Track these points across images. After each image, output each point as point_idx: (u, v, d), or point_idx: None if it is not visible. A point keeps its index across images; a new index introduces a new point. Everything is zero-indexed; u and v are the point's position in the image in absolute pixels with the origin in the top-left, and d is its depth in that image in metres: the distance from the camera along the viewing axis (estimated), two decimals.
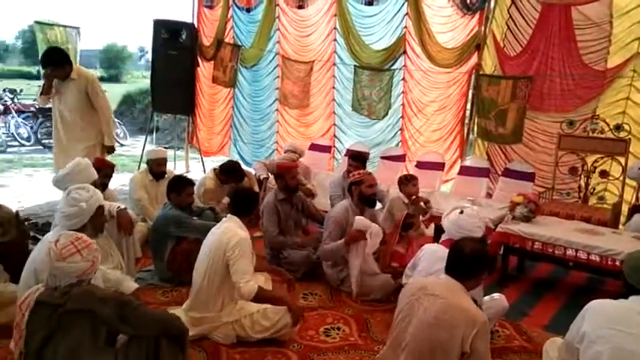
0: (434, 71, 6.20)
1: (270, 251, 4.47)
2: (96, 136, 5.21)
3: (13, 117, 10.43)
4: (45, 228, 4.64)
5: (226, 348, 3.12)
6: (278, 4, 7.37)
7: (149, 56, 9.88)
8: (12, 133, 10.19)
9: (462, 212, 3.07)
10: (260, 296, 3.07)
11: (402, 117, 6.59)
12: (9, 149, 9.73)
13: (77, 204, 2.84)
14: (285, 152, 6.21)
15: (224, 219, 3.31)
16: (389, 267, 4.07)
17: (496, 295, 3.38)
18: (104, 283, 2.89)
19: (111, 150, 5.34)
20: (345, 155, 6.64)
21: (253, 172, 6.28)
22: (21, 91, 13.14)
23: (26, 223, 5.12)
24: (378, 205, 4.62)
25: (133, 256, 3.95)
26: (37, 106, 11.10)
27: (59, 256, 2.21)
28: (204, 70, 8.36)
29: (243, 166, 6.75)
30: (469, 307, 2.32)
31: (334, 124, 7.30)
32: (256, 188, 5.83)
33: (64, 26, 9.05)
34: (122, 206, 3.69)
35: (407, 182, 4.74)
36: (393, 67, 6.49)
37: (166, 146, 8.70)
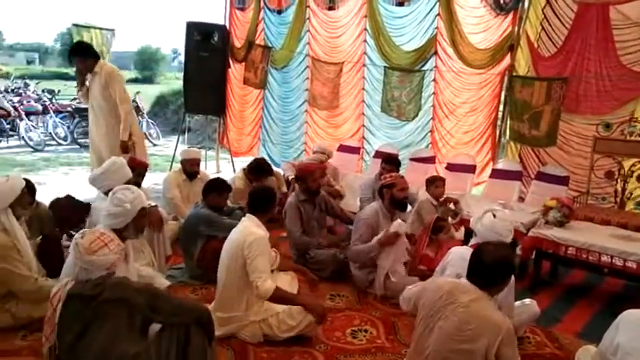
0: (466, 72, 6.12)
1: (296, 251, 4.49)
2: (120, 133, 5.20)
3: (51, 117, 10.77)
4: (81, 225, 4.77)
5: (253, 347, 3.15)
6: (308, 6, 7.40)
7: (182, 58, 10.06)
8: (50, 133, 10.51)
9: (494, 216, 3.02)
10: (277, 296, 3.09)
11: (433, 118, 6.53)
12: (47, 148, 10.05)
13: (122, 204, 2.91)
14: (313, 153, 6.23)
15: (244, 218, 3.35)
16: (417, 270, 4.03)
17: (527, 300, 3.32)
18: (138, 279, 2.96)
19: (123, 146, 5.17)
20: (374, 157, 6.61)
21: (282, 172, 6.33)
22: (59, 91, 13.60)
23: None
24: (409, 208, 4.60)
25: (163, 253, 4.05)
26: (73, 106, 11.47)
27: (89, 250, 2.30)
28: (235, 71, 8.47)
29: (272, 167, 6.82)
30: (492, 315, 2.26)
31: (363, 126, 7.29)
32: (284, 189, 5.88)
33: (100, 28, 9.32)
34: (153, 204, 3.77)
35: (431, 183, 4.71)
36: (424, 68, 6.43)
37: (198, 146, 8.84)
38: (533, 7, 5.59)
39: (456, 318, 2.28)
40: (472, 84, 6.12)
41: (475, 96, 6.12)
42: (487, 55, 5.86)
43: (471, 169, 5.98)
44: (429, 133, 6.57)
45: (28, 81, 16.05)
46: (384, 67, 6.72)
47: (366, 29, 6.89)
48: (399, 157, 5.68)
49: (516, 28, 5.68)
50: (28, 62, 46.78)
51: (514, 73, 5.76)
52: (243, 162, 7.19)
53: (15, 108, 9.88)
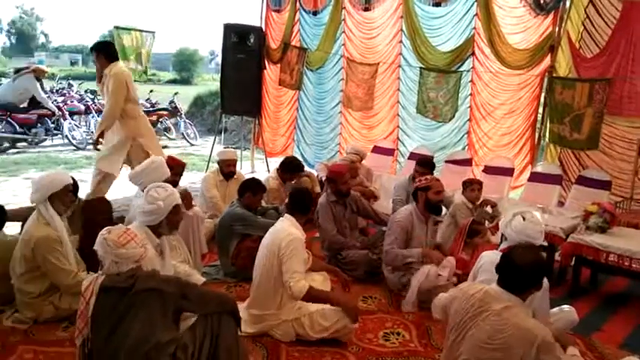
0: (504, 73, 6.00)
1: (328, 252, 4.50)
2: (125, 137, 5.13)
3: (93, 116, 11.12)
4: (118, 222, 4.90)
5: (286, 345, 3.18)
6: (344, 7, 7.41)
7: (219, 59, 10.21)
8: (91, 132, 10.84)
9: (524, 218, 2.95)
10: (311, 295, 3.10)
11: (470, 120, 6.43)
12: (88, 146, 10.37)
13: (155, 202, 2.98)
14: (346, 154, 6.23)
15: (281, 218, 3.38)
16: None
17: (566, 307, 3.22)
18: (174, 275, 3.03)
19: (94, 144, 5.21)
20: (409, 158, 6.56)
21: (315, 173, 6.35)
22: None
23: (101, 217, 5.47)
24: (444, 211, 4.54)
25: (199, 251, 4.14)
26: None
27: (119, 244, 2.39)
28: (271, 72, 8.55)
29: (306, 168, 6.84)
30: (525, 324, 2.20)
31: (398, 127, 7.24)
32: (318, 189, 5.90)
33: (141, 31, 9.55)
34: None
35: (467, 186, 4.65)
36: (461, 69, 6.34)
37: (233, 147, 8.99)
38: (575, 6, 5.44)
39: (488, 326, 2.24)
40: (511, 85, 5.99)
41: (514, 97, 6.00)
42: (526, 55, 5.74)
43: (508, 172, 5.86)
44: (466, 135, 6.48)
45: (71, 82, 16.62)
46: (420, 68, 6.66)
47: (401, 30, 6.85)
48: (435, 160, 5.62)
49: (557, 28, 5.54)
50: (72, 63, 48.44)
51: (554, 75, 5.61)
52: (278, 162, 7.25)
53: (59, 108, 10.23)
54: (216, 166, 5.51)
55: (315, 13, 7.88)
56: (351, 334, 3.26)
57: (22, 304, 3.28)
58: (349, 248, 4.39)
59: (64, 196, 3.34)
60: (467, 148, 6.46)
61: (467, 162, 6.27)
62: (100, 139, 5.14)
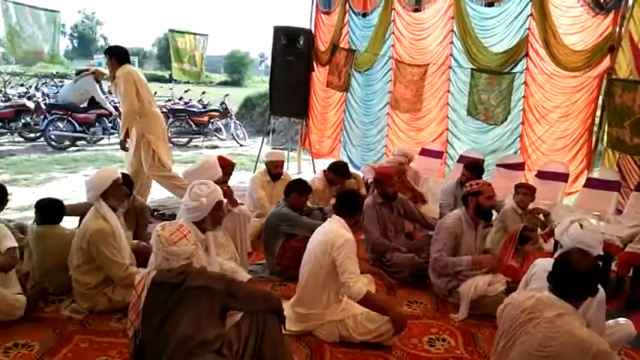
0: (559, 75, 5.78)
1: (372, 254, 4.47)
2: (136, 135, 5.47)
3: None
4: (171, 219, 5.07)
5: (329, 346, 3.19)
6: (394, 8, 7.36)
7: (269, 62, 10.36)
8: None
9: (581, 226, 2.83)
10: (368, 300, 3.10)
11: (522, 123, 6.23)
12: None
13: (198, 199, 3.07)
14: (393, 156, 6.18)
15: (329, 219, 3.39)
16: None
17: (622, 319, 3.06)
18: (221, 272, 3.10)
19: (120, 144, 5.52)
20: (458, 162, 6.43)
21: (361, 175, 6.34)
22: (155, 93, 14.45)
23: (155, 213, 5.68)
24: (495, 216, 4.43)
25: (245, 249, 4.21)
26: (168, 107, 12.19)
27: (170, 241, 2.46)
28: (319, 74, 8.60)
29: (352, 169, 6.84)
30: (579, 333, 2.12)
31: (447, 129, 7.11)
32: (363, 191, 5.89)
33: (194, 34, 9.85)
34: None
35: (518, 191, 4.52)
36: (514, 71, 6.16)
37: (281, 147, 9.10)
38: (638, 5, 5.17)
39: (540, 333, 2.17)
40: (566, 87, 5.77)
41: (569, 100, 5.77)
42: (584, 57, 5.50)
43: (563, 177, 5.64)
44: (518, 139, 6.28)
45: None
46: (471, 69, 6.52)
47: (452, 31, 6.73)
48: (485, 163, 5.48)
49: (618, 28, 5.28)
50: None
51: (614, 76, 5.36)
52: (324, 164, 7.29)
53: (116, 108, 10.66)
54: (264, 166, 5.60)
55: (364, 15, 7.86)
56: (393, 340, 3.23)
57: (79, 294, 3.45)
58: (392, 251, 4.35)
59: (115, 191, 3.49)
60: (519, 152, 6.27)
61: (519, 166, 6.08)
62: (127, 139, 5.49)
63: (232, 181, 5.49)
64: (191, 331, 2.36)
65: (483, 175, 5.15)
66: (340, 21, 8.06)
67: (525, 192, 4.53)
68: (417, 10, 7.18)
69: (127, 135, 5.45)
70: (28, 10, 7.04)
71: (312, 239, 3.36)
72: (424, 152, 7.03)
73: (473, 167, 5.03)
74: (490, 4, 6.34)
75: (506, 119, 6.31)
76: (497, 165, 6.18)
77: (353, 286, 3.06)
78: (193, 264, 2.56)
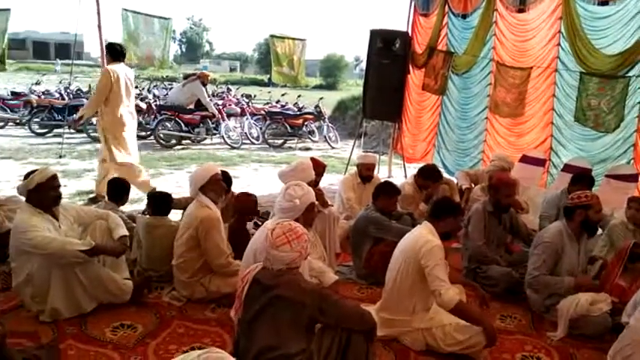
0: None
1: (469, 264, 4.31)
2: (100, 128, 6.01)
3: (247, 118, 12.05)
4: (264, 216, 5.26)
5: (415, 354, 3.14)
6: (496, 9, 7.06)
7: (363, 65, 10.39)
8: (245, 133, 11.77)
9: None
10: (459, 309, 3.01)
11: (637, 131, 5.70)
12: (242, 146, 11.27)
13: (292, 200, 3.16)
14: (491, 163, 5.92)
15: (418, 225, 3.33)
16: None
17: None
18: (309, 270, 3.16)
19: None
20: (563, 170, 6.03)
21: (455, 181, 6.15)
22: (254, 96, 15.15)
23: None
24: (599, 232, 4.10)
25: (334, 250, 4.26)
26: (266, 110, 12.67)
27: (273, 244, 2.49)
28: (414, 77, 8.47)
29: (446, 175, 6.66)
30: None
31: (551, 136, 6.68)
32: (457, 198, 5.71)
33: (293, 39, 10.12)
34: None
35: (630, 205, 4.15)
36: (629, 74, 5.66)
37: (372, 151, 9.09)
38: None
39: None
40: None
41: None
42: None
43: None
44: (632, 148, 5.75)
45: (230, 86, 18.20)
46: (580, 72, 6.08)
47: (560, 32, 6.32)
48: (593, 173, 5.08)
49: None
50: (231, 70, 52.90)
51: None
52: (416, 168, 7.18)
53: (219, 110, 11.27)
54: (354, 169, 5.62)
55: (464, 16, 7.63)
56: (484, 353, 3.11)
57: (179, 283, 3.69)
58: (491, 263, 4.16)
59: (214, 186, 3.69)
60: (632, 161, 5.74)
61: (632, 177, 5.56)
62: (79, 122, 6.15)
63: (323, 183, 5.58)
64: (270, 341, 2.40)
65: (592, 187, 4.77)
66: (439, 22, 7.89)
67: (639, 207, 4.15)
68: (521, 11, 6.84)
69: (80, 119, 6.19)
70: (143, 18, 7.63)
71: (399, 244, 3.32)
72: (525, 159, 6.65)
73: (581, 178, 4.68)
74: (604, 3, 5.90)
75: (618, 126, 5.80)
76: (607, 175, 5.69)
77: (445, 294, 2.98)
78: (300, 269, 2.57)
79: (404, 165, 8.46)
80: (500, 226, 4.36)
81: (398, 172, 8.67)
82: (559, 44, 6.37)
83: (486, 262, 4.17)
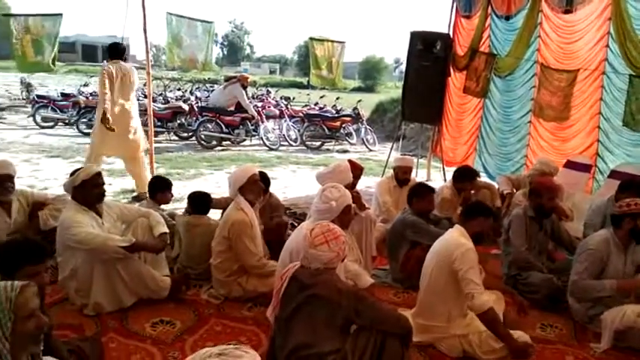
0: None
1: (508, 270, 4.20)
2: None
3: (285, 121, 12.15)
4: (301, 217, 5.29)
5: None
6: (541, 10, 6.87)
7: (403, 67, 10.31)
8: (283, 134, 11.87)
9: None
10: (489, 318, 2.93)
11: None
12: (280, 148, 11.37)
13: (328, 202, 3.17)
14: (535, 167, 5.76)
15: (451, 228, 3.28)
16: None
17: None
18: (345, 273, 3.16)
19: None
20: (609, 177, 5.80)
21: (496, 186, 6.02)
22: (293, 98, 15.27)
23: (287, 211, 5.97)
24: None
25: (370, 253, 4.24)
26: (304, 112, 12.74)
27: (312, 244, 2.52)
28: (455, 80, 8.34)
29: (487, 180, 6.53)
30: None
31: (598, 141, 6.44)
32: (498, 203, 5.59)
33: (332, 41, 10.14)
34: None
35: None
36: None
37: (410, 154, 9.00)
38: None
39: None
40: None
41: None
42: None
43: None
44: None
45: (269, 89, 18.39)
46: (630, 75, 5.84)
47: (609, 33, 6.09)
48: None
49: None
50: (271, 72, 53.49)
51: None
52: None
53: (258, 112, 11.42)
54: (391, 172, 5.58)
55: (507, 18, 7.46)
56: None
57: (217, 281, 3.76)
58: (533, 269, 4.04)
59: (251, 186, 3.74)
60: None
61: None
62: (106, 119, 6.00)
63: (360, 185, 5.57)
64: (304, 339, 2.41)
65: None
66: (481, 24, 7.74)
67: None
68: (567, 12, 6.63)
69: (104, 117, 5.99)
70: (186, 22, 7.81)
71: (431, 248, 3.28)
72: (570, 165, 6.43)
73: (627, 186, 4.49)
74: None
75: None
76: None
77: (477, 298, 2.92)
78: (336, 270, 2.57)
79: (443, 168, 8.33)
80: (541, 231, 4.23)
81: (437, 176, 8.55)
82: (607, 46, 6.14)
83: (529, 268, 4.06)
